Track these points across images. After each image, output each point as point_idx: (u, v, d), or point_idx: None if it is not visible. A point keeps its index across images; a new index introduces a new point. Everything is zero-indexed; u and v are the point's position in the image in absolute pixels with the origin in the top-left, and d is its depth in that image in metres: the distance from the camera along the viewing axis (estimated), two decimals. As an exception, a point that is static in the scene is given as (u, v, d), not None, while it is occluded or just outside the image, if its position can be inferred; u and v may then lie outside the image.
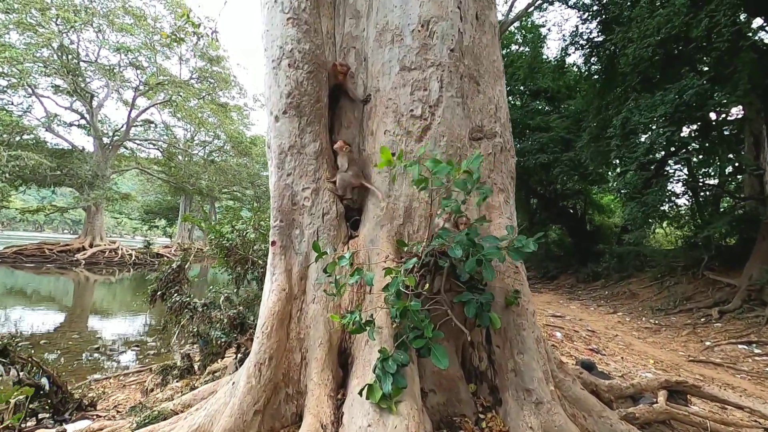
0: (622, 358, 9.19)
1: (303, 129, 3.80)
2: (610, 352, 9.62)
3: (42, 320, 13.98)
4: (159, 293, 6.42)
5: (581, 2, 16.49)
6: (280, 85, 3.80)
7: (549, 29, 20.21)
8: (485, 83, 4.29)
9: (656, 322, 13.94)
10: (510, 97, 21.34)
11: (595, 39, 15.98)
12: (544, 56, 19.32)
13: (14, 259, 26.21)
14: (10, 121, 18.48)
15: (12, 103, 20.22)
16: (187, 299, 6.18)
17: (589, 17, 16.30)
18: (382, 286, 3.08)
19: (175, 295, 6.25)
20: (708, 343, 10.96)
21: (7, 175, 18.18)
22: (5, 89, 19.79)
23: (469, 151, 4.02)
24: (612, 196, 22.85)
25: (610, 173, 20.24)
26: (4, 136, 18.47)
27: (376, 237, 3.67)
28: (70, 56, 24.39)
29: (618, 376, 7.06)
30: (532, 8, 17.98)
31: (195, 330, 6.04)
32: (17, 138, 19.11)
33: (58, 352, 10.38)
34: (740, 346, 10.37)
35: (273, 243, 3.70)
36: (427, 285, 3.21)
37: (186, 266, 6.67)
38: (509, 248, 2.90)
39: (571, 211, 22.12)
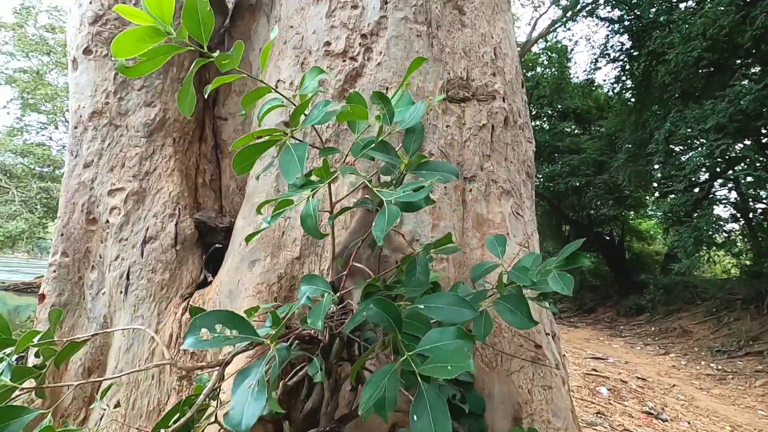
0: (689, 423, 6.59)
1: (126, 80, 1.88)
2: (671, 414, 7.00)
3: None
4: None
5: (612, 14, 14.30)
6: (83, 3, 1.91)
7: (576, 42, 18.13)
8: (476, 12, 2.27)
9: (719, 367, 11.01)
10: (537, 121, 19.12)
11: (629, 50, 13.68)
12: (572, 74, 17.16)
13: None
14: (44, 155, 18.05)
15: (51, 138, 20.03)
16: None
17: (621, 29, 14.06)
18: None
19: None
20: (796, 400, 8.03)
21: (38, 206, 17.57)
22: (46, 125, 19.57)
23: (442, 118, 1.97)
24: (652, 221, 19.82)
25: (648, 197, 17.74)
26: (37, 168, 18.05)
27: (239, 285, 1.66)
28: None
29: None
30: (558, 25, 15.91)
31: None
32: (48, 170, 18.66)
33: None
34: None
35: (41, 297, 1.74)
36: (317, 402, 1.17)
37: None
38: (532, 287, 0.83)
39: (608, 237, 19.27)
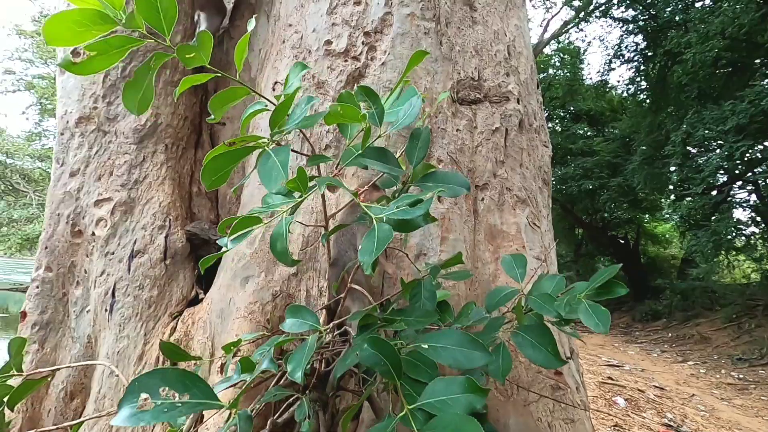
0: (710, 436, 6.31)
1: (115, 83, 1.76)
2: (691, 426, 6.72)
3: None
4: None
5: (626, 15, 13.97)
6: (71, 4, 1.81)
7: (589, 43, 17.78)
8: (488, 9, 2.11)
9: (740, 376, 10.64)
10: (549, 123, 18.86)
11: (644, 50, 13.36)
12: (585, 74, 16.85)
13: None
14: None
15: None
16: None
17: (635, 29, 13.73)
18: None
19: None
20: (825, 413, 7.68)
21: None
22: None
23: (451, 122, 1.82)
24: (668, 224, 19.33)
25: (664, 200, 17.38)
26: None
27: (231, 304, 1.52)
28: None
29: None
30: (571, 26, 15.59)
31: None
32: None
33: None
34: None
35: (23, 315, 1.62)
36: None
37: None
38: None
39: (622, 241, 18.84)
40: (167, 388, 0.50)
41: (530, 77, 2.20)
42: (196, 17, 2.30)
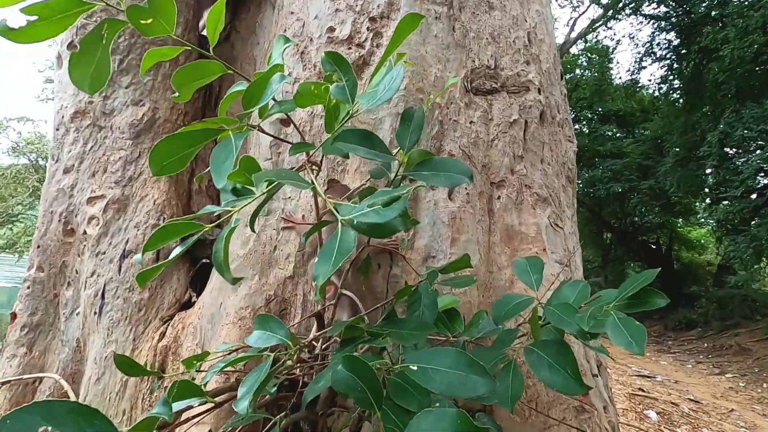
0: (752, 456, 5.90)
1: (112, 77, 1.69)
2: (730, 444, 6.30)
3: None
4: None
5: (657, 11, 13.40)
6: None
7: (619, 41, 17.10)
8: (507, -7, 1.94)
9: (784, 391, 9.99)
10: (576, 125, 18.32)
11: (677, 47, 12.77)
12: (614, 74, 16.22)
13: None
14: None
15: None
16: None
17: (668, 26, 13.15)
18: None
19: None
20: None
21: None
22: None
23: (464, 113, 1.66)
24: (703, 229, 18.42)
25: (698, 203, 16.63)
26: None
27: (221, 308, 1.41)
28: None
29: None
30: (599, 24, 15.05)
31: None
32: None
33: None
34: None
35: (13, 316, 1.54)
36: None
37: None
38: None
39: (653, 246, 18.04)
40: (50, 428, 0.37)
41: (553, 66, 2.02)
42: (204, 14, 2.23)
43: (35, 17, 0.68)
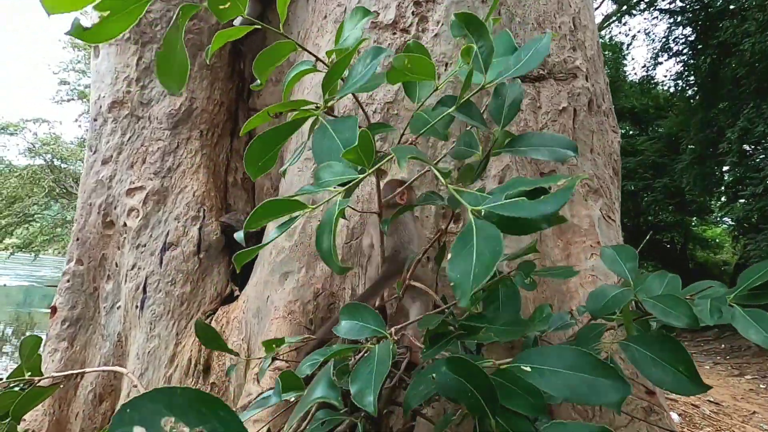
0: (778, 458, 5.69)
1: (149, 66, 1.64)
2: (755, 446, 6.12)
3: None
4: None
5: (673, 6, 13.14)
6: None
7: (634, 37, 16.76)
8: (550, -22, 1.86)
9: (807, 392, 9.68)
10: (588, 122, 18.04)
11: (694, 42, 12.50)
12: (629, 70, 15.91)
13: None
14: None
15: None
16: None
17: (684, 21, 12.89)
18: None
19: None
20: None
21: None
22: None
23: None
24: (719, 228, 18.06)
25: (713, 202, 16.28)
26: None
27: (268, 302, 1.35)
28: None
29: None
30: (613, 20, 14.81)
31: None
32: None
33: None
34: None
35: (53, 310, 1.50)
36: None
37: None
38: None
39: (668, 245, 17.72)
40: (173, 419, 0.31)
41: (597, 54, 1.94)
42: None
43: (107, 12, 0.64)
